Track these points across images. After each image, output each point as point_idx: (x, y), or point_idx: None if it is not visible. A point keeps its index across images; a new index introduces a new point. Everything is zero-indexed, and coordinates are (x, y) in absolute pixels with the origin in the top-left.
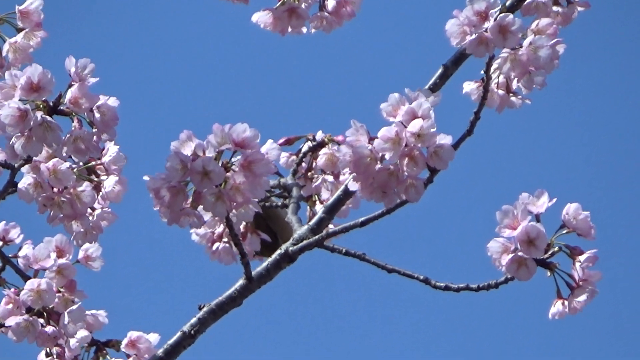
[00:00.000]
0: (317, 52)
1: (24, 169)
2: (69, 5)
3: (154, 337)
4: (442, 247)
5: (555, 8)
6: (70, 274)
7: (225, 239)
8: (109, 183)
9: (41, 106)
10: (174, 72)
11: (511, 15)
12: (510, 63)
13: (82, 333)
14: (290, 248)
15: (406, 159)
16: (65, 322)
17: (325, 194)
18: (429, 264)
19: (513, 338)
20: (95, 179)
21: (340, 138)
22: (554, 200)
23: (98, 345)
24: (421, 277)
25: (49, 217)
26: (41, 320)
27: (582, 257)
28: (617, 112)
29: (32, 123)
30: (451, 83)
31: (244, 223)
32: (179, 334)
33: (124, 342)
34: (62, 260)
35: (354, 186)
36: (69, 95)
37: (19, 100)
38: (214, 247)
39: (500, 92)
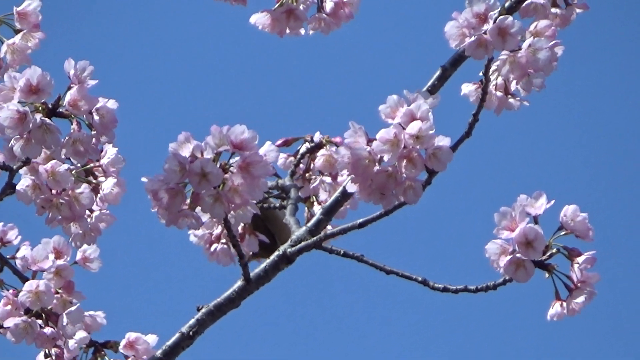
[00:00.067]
0: (315, 53)
1: (23, 170)
2: (67, 6)
3: (152, 338)
4: (441, 248)
5: (553, 10)
6: (68, 275)
7: (224, 240)
8: (108, 185)
9: (40, 108)
10: (172, 74)
11: (510, 18)
12: (509, 65)
13: (81, 334)
14: (289, 249)
15: (404, 160)
16: (64, 323)
17: (323, 195)
18: (428, 265)
19: (511, 339)
20: (94, 181)
21: (338, 139)
22: (552, 202)
23: (96, 346)
24: (419, 279)
25: (48, 218)
26: (40, 322)
27: (580, 259)
28: (615, 113)
29: (31, 125)
30: (449, 84)
31: (242, 224)
32: (177, 335)
33: (122, 343)
34: (60, 262)
35: (352, 188)
36: (68, 97)
37: (18, 102)
38: (212, 249)
39: (499, 93)
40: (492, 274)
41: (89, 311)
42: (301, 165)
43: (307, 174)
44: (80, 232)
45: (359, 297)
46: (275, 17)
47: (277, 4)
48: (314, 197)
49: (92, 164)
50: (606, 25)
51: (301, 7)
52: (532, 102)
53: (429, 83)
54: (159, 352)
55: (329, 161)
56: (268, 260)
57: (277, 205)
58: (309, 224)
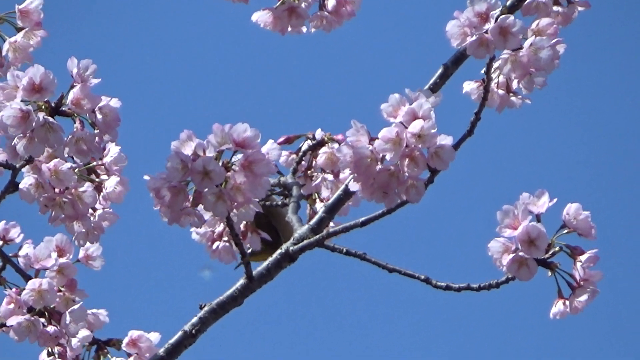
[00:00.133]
0: (317, 51)
1: (25, 169)
2: (69, 4)
3: (155, 336)
4: (443, 247)
5: (555, 8)
6: (71, 274)
7: (226, 238)
8: (111, 183)
9: (43, 107)
10: (174, 72)
11: (512, 17)
12: (511, 64)
13: (84, 332)
14: (291, 247)
15: (407, 159)
16: (67, 322)
17: (325, 193)
18: (430, 263)
19: (514, 338)
20: (97, 180)
21: (340, 137)
22: (555, 200)
23: (99, 345)
24: (422, 277)
25: (51, 217)
26: (42, 320)
27: (583, 257)
28: (617, 111)
29: (34, 124)
30: (451, 83)
31: (244, 222)
32: (180, 333)
33: (125, 341)
34: (62, 260)
35: (354, 187)
36: (71, 96)
37: (21, 101)
38: (214, 246)
39: (501, 91)
40: (495, 272)
41: (91, 309)
42: (303, 163)
43: (309, 172)
44: (83, 230)
45: (362, 295)
46: (277, 15)
47: (279, 2)
48: (316, 194)
49: (94, 163)
50: (608, 23)
51: (303, 5)
52: (534, 100)
53: (431, 81)
54: (161, 351)
55: (330, 159)
56: (270, 259)
57: (280, 202)
58: (312, 222)
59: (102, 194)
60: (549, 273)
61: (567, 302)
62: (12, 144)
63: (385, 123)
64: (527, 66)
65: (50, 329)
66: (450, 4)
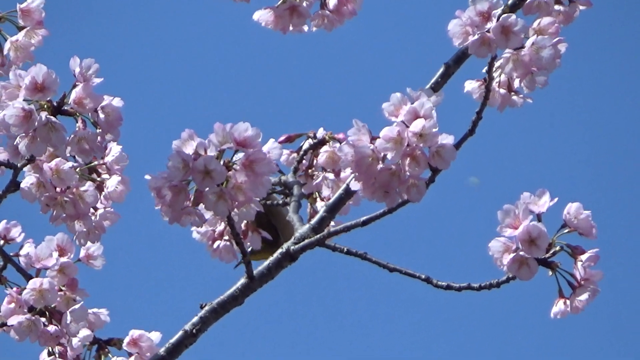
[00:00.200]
0: (319, 50)
1: (27, 168)
2: (71, 3)
3: (155, 336)
4: (444, 246)
5: (556, 7)
6: (71, 273)
7: (226, 237)
8: (112, 183)
9: (45, 106)
10: (176, 71)
11: (514, 16)
12: (513, 63)
13: (84, 332)
14: (292, 247)
15: (408, 158)
16: (68, 321)
17: (326, 192)
18: (431, 263)
19: (515, 337)
20: (98, 179)
21: (341, 136)
22: (555, 199)
23: (100, 344)
24: (423, 277)
25: (52, 216)
26: (43, 319)
27: (583, 257)
28: (618, 110)
29: (36, 123)
30: (452, 82)
31: (245, 221)
32: (180, 332)
33: (126, 340)
34: (63, 259)
35: (355, 186)
36: (74, 95)
37: (23, 100)
38: (215, 245)
39: (502, 91)
40: (496, 271)
41: (92, 309)
42: (304, 162)
43: (310, 171)
44: (85, 229)
45: (362, 294)
46: (279, 14)
47: (281, 1)
48: (316, 193)
49: (96, 162)
50: (609, 22)
51: (304, 4)
52: (536, 99)
53: (432, 80)
54: (162, 350)
55: (331, 157)
56: (271, 258)
57: (280, 201)
58: (313, 222)
59: (103, 193)
60: (550, 272)
61: (568, 302)
62: (14, 143)
63: (386, 122)
64: (528, 65)
65: (51, 328)
66: (452, 3)
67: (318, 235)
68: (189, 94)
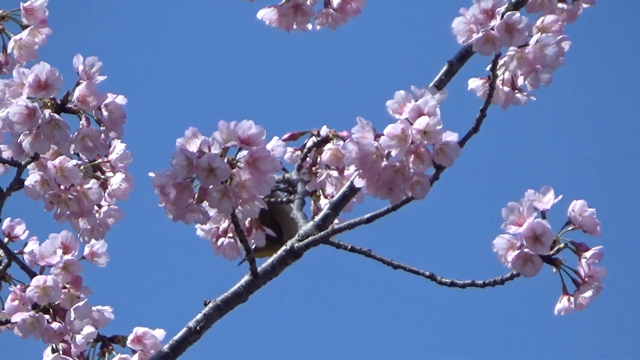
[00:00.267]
0: (322, 48)
1: (31, 166)
2: (74, 2)
3: (159, 333)
4: (448, 243)
5: (560, 5)
6: (76, 270)
7: (230, 234)
8: (116, 180)
9: (49, 104)
10: (180, 70)
11: (518, 14)
12: (517, 61)
13: (88, 329)
14: (296, 244)
15: (412, 156)
16: (72, 319)
17: (329, 189)
18: (435, 260)
19: (519, 334)
20: (102, 177)
21: (344, 133)
22: (560, 197)
23: (104, 341)
24: (427, 273)
25: (56, 214)
26: (47, 317)
27: (587, 254)
28: (622, 108)
29: (40, 121)
30: (456, 79)
31: (249, 218)
32: (184, 329)
33: (130, 337)
34: (68, 257)
35: (359, 183)
36: (77, 93)
37: (27, 98)
38: (219, 243)
39: (506, 88)
40: (500, 268)
41: (96, 306)
42: (308, 159)
43: (313, 168)
44: (89, 227)
45: (366, 291)
46: (283, 13)
47: None
48: (320, 191)
49: (100, 160)
50: (613, 20)
51: (308, 2)
52: (539, 97)
53: (436, 78)
54: (166, 347)
55: (335, 155)
56: (275, 255)
57: (284, 199)
58: (317, 219)
59: (107, 191)
60: (554, 269)
61: (572, 299)
62: (18, 141)
63: (390, 119)
64: (533, 63)
65: (55, 325)
66: (456, 1)
67: (322, 233)
68: (192, 92)
